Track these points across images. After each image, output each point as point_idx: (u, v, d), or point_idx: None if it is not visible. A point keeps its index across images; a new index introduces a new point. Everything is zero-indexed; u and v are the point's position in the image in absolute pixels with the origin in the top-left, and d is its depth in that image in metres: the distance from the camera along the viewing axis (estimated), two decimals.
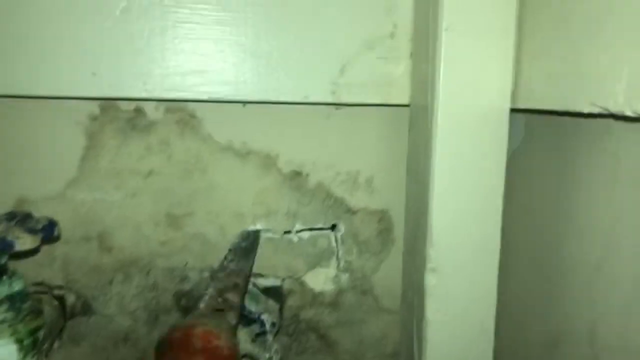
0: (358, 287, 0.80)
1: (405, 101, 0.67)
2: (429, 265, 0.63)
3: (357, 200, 0.77)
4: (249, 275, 0.69)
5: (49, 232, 0.58)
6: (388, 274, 0.79)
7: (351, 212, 0.77)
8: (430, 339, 0.64)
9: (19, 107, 0.65)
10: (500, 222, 0.63)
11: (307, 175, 0.75)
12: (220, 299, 0.62)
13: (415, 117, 0.66)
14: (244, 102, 0.69)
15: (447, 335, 0.64)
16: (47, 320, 0.65)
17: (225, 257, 0.71)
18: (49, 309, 0.68)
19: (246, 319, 0.67)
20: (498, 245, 0.63)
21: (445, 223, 0.62)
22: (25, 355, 0.54)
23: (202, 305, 0.62)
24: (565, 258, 0.60)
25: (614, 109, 0.45)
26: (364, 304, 0.80)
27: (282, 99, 0.65)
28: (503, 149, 0.61)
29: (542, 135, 0.65)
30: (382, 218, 0.78)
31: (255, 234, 0.74)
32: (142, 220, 0.71)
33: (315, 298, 0.79)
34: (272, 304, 0.72)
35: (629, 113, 0.43)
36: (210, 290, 0.64)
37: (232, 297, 0.63)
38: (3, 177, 0.67)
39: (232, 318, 0.61)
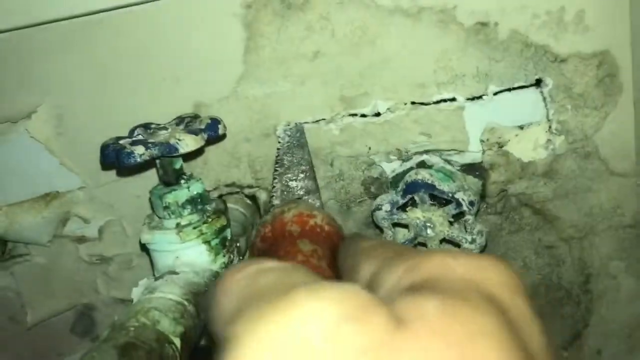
0: (578, 151, 0.66)
1: None
2: None
3: (566, 44, 0.61)
4: (310, 162, 0.65)
5: (213, 131, 0.56)
6: (616, 131, 0.64)
7: (559, 60, 0.62)
8: None
9: (175, 8, 0.63)
10: None
11: (496, 24, 0.61)
12: (290, 191, 0.61)
13: None
14: None
15: None
16: (241, 219, 0.66)
17: (277, 155, 0.65)
18: (243, 209, 0.68)
19: (438, 199, 0.59)
20: None
21: None
22: (216, 255, 0.54)
23: (276, 201, 0.59)
24: None
25: None
26: (587, 170, 0.66)
27: None
28: None
29: None
30: (602, 62, 0.62)
31: (297, 129, 0.66)
32: (316, 107, 0.66)
33: (525, 169, 0.67)
34: (471, 180, 0.63)
35: None
36: (278, 186, 0.62)
37: (306, 183, 0.62)
38: (178, 84, 0.66)
39: (314, 201, 0.60)
